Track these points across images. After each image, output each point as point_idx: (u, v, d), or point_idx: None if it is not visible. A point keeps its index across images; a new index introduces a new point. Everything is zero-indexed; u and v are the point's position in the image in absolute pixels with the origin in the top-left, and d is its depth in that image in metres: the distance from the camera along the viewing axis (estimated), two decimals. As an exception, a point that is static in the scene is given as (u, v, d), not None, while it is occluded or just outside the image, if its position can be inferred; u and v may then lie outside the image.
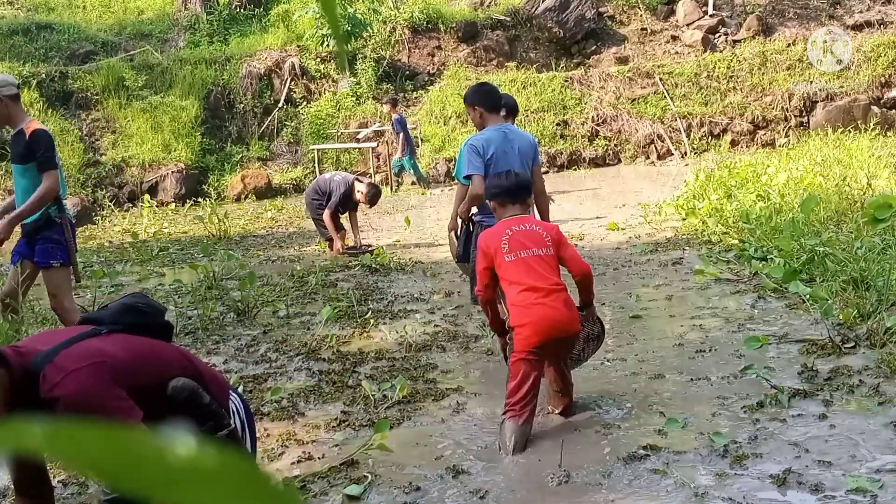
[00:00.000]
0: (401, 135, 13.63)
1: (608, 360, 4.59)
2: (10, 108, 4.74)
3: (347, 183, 8.50)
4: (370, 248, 8.45)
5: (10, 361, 2.27)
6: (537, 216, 4.63)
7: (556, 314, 3.56)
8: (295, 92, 17.25)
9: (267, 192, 15.32)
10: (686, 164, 14.94)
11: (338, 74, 17.58)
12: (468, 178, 4.66)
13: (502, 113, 5.08)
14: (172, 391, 2.43)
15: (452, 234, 5.17)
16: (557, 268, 3.72)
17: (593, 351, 4.22)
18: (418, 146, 16.42)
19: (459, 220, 5.00)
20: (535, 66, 17.92)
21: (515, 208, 3.84)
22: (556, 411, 3.87)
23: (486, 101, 4.75)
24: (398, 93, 17.44)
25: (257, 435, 3.16)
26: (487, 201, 4.14)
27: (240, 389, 3.93)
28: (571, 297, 3.70)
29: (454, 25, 18.51)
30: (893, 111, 16.47)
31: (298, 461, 3.52)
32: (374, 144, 15.00)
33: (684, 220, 8.87)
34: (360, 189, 8.46)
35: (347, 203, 8.57)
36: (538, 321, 3.54)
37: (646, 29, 18.96)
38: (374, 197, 8.55)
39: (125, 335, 2.52)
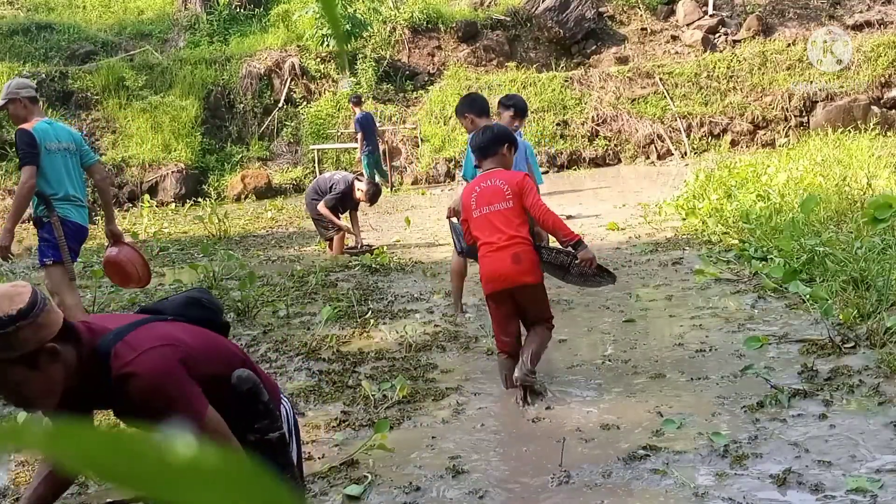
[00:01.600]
0: (359, 134, 13.53)
1: (609, 360, 4.59)
2: (28, 109, 4.98)
3: (347, 182, 8.51)
4: (370, 248, 8.45)
5: (81, 337, 2.18)
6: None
7: (501, 267, 3.94)
8: (295, 92, 17.25)
9: (267, 192, 15.34)
10: (686, 164, 14.94)
11: (338, 74, 17.59)
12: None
13: (509, 113, 5.66)
14: (237, 381, 2.39)
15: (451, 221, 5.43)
16: (519, 219, 4.01)
17: (602, 284, 4.40)
18: (418, 146, 16.41)
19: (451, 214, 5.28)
20: (535, 66, 17.92)
21: (489, 162, 4.19)
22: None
23: (473, 107, 5.24)
24: (398, 93, 17.45)
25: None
26: None
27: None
28: (528, 251, 3.97)
29: (454, 25, 18.51)
30: (893, 111, 16.48)
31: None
32: (373, 144, 15.00)
33: (684, 220, 8.87)
34: (360, 188, 8.48)
35: (347, 202, 8.58)
36: (486, 272, 4.03)
37: (646, 29, 18.97)
38: (374, 195, 8.58)
39: (190, 325, 2.46)
